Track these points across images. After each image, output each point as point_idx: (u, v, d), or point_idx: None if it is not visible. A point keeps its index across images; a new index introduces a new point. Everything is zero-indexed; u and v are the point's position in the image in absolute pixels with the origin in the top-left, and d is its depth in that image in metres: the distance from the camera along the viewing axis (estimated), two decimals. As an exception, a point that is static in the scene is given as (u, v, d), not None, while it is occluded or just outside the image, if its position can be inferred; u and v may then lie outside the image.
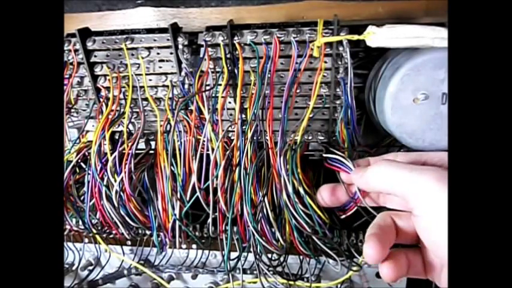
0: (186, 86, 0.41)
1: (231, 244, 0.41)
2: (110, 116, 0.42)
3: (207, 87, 0.40)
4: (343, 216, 0.38)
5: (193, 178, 0.40)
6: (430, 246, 0.28)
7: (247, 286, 0.52)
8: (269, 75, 0.38)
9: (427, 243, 0.28)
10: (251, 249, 0.41)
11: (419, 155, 0.32)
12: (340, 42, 0.37)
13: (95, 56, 0.42)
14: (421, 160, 0.32)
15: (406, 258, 0.30)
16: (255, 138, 0.39)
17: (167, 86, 0.42)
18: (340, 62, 0.38)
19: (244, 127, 0.39)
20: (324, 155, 0.39)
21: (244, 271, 0.51)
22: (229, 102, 0.42)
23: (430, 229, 0.27)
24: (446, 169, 0.28)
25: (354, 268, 0.43)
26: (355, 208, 0.36)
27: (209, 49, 0.39)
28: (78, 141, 0.46)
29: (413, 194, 0.27)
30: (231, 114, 0.42)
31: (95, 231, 0.46)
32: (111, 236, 0.49)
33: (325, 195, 0.36)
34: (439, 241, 0.26)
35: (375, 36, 0.34)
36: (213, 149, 0.39)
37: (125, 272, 0.56)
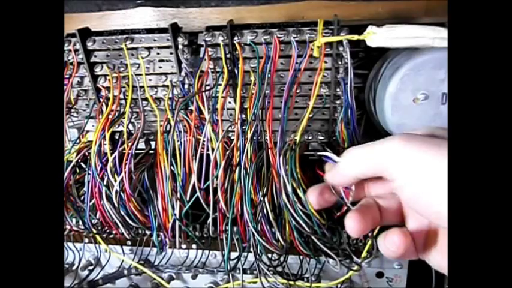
0: (186, 86, 0.41)
1: (231, 244, 0.41)
2: (110, 116, 0.42)
3: (207, 87, 0.40)
4: (338, 215, 0.38)
5: (193, 178, 0.40)
6: (416, 207, 0.28)
7: (247, 286, 0.52)
8: (269, 75, 0.38)
9: (412, 204, 0.28)
10: (251, 249, 0.41)
11: None
12: (340, 42, 0.37)
13: (95, 56, 0.42)
14: None
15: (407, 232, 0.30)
16: (255, 138, 0.39)
17: (167, 86, 0.42)
18: (340, 62, 0.38)
19: (244, 127, 0.39)
20: (318, 154, 0.38)
21: (244, 271, 0.51)
22: (229, 102, 0.42)
23: (408, 184, 0.27)
24: (411, 133, 0.28)
25: (354, 268, 0.43)
26: (346, 208, 0.36)
27: (209, 49, 0.39)
28: (78, 141, 0.46)
29: (385, 162, 0.28)
30: (231, 114, 0.42)
31: (95, 231, 0.46)
32: (111, 236, 0.48)
33: (312, 198, 0.35)
34: (418, 194, 0.26)
35: (375, 36, 0.34)
36: (213, 149, 0.39)
37: (125, 272, 0.56)
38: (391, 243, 0.28)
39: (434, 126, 0.30)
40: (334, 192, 0.35)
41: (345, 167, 0.31)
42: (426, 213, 0.27)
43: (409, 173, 0.26)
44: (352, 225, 0.29)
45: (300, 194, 0.36)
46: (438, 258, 0.29)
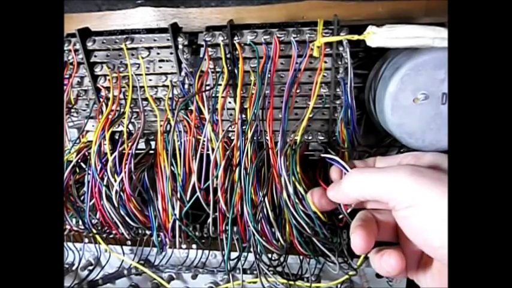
0: (186, 86, 0.41)
1: (231, 244, 0.41)
2: (110, 116, 0.42)
3: (207, 87, 0.40)
4: (341, 224, 0.38)
5: (193, 178, 0.40)
6: (414, 238, 0.28)
7: (247, 286, 0.52)
8: (269, 75, 0.38)
9: (410, 234, 0.28)
10: (251, 249, 0.41)
11: (394, 157, 0.33)
12: (340, 42, 0.37)
13: (95, 56, 0.42)
14: (396, 161, 0.33)
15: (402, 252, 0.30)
16: (255, 138, 0.39)
17: (167, 86, 0.42)
18: (340, 62, 0.38)
19: (244, 127, 0.39)
20: (322, 155, 0.39)
21: (244, 271, 0.51)
22: (229, 102, 0.42)
23: (412, 217, 0.27)
24: (420, 165, 0.29)
25: (350, 273, 0.43)
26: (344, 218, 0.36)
27: (209, 49, 0.39)
28: (78, 141, 0.46)
29: (391, 192, 0.28)
30: (231, 114, 0.42)
31: (95, 231, 0.46)
32: (111, 236, 0.49)
33: (316, 199, 0.36)
34: (421, 229, 0.27)
35: (375, 36, 0.34)
36: (213, 149, 0.39)
37: (125, 272, 0.56)
38: (387, 265, 0.29)
39: (440, 154, 0.30)
40: (332, 201, 0.35)
41: (348, 189, 0.31)
42: (424, 247, 0.28)
43: (414, 208, 0.27)
44: (359, 242, 0.29)
45: (302, 194, 0.36)
46: (428, 281, 0.29)
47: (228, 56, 0.39)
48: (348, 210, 0.34)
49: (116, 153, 0.41)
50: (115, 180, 0.40)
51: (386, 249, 0.29)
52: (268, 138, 0.39)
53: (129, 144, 0.41)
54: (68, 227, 0.48)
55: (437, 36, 0.32)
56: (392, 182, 0.28)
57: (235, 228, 0.40)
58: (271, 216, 0.39)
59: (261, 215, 0.39)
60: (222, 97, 0.39)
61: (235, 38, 0.38)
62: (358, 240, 0.29)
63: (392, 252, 0.29)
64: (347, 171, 0.34)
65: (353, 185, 0.31)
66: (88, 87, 0.44)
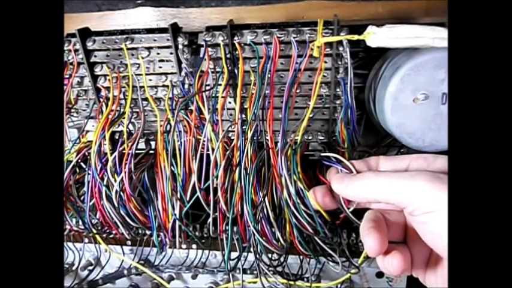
0: (186, 86, 0.41)
1: (231, 244, 0.41)
2: (110, 116, 0.42)
3: (207, 87, 0.40)
4: (338, 222, 0.38)
5: (193, 178, 0.40)
6: (433, 242, 0.28)
7: (247, 286, 0.52)
8: (269, 75, 0.38)
9: (429, 239, 0.28)
10: (251, 249, 0.41)
11: (401, 158, 0.33)
12: (340, 42, 0.37)
13: (95, 56, 0.42)
14: (404, 162, 0.32)
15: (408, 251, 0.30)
16: (255, 138, 0.39)
17: (167, 86, 0.42)
18: (340, 62, 0.38)
19: (244, 127, 0.39)
20: (322, 154, 0.38)
21: (244, 271, 0.51)
22: (229, 102, 0.42)
23: (431, 224, 0.27)
24: (433, 170, 0.29)
25: (353, 271, 0.43)
26: (345, 216, 0.35)
27: (209, 49, 0.39)
28: (78, 141, 0.46)
29: (410, 198, 0.28)
30: (231, 114, 0.42)
31: (95, 231, 0.46)
32: (111, 236, 0.49)
33: (319, 197, 0.36)
34: (441, 235, 0.26)
35: (375, 36, 0.34)
36: (213, 149, 0.39)
37: (125, 272, 0.56)
38: (389, 265, 0.29)
39: None
40: (335, 199, 0.35)
41: (361, 189, 0.31)
42: (444, 252, 0.27)
43: (434, 213, 0.27)
44: (373, 245, 0.28)
45: (303, 193, 0.36)
46: (439, 281, 0.29)
47: (228, 56, 0.39)
48: (350, 209, 0.34)
49: (116, 153, 0.41)
50: (115, 180, 0.40)
51: (390, 249, 0.29)
52: (268, 138, 0.39)
53: (129, 144, 0.41)
54: (68, 227, 0.48)
55: (437, 36, 0.32)
56: (411, 187, 0.28)
57: (235, 228, 0.40)
58: (271, 216, 0.39)
59: (261, 215, 0.39)
60: (222, 97, 0.39)
61: (235, 38, 0.38)
62: (372, 242, 0.28)
63: (395, 253, 0.29)
64: (354, 172, 0.34)
65: (368, 186, 0.31)
66: (88, 87, 0.44)
